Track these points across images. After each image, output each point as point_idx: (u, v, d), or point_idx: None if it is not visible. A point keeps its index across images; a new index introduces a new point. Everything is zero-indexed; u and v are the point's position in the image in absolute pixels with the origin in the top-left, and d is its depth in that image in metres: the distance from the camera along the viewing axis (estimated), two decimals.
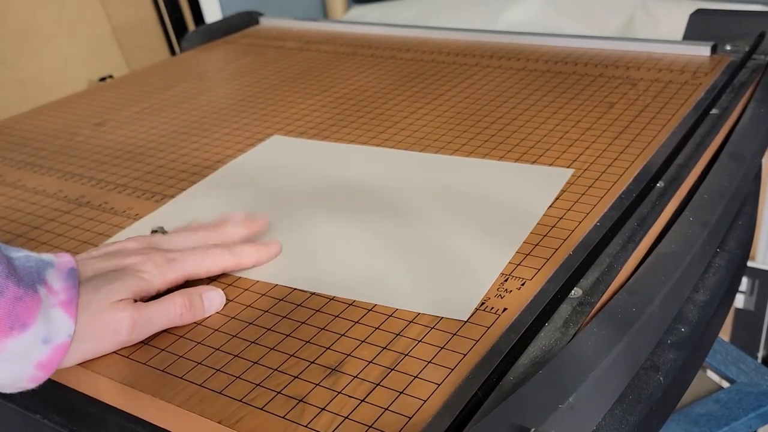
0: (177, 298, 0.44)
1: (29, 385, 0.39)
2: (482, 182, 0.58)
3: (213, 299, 0.45)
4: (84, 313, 0.40)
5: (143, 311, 0.42)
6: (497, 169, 0.60)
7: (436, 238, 0.51)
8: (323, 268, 0.49)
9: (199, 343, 0.43)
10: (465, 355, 0.40)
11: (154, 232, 0.51)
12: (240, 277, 0.49)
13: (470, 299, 0.44)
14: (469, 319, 0.42)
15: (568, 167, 0.59)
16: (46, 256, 0.41)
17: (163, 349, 0.43)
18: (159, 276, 0.44)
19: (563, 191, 0.55)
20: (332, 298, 0.46)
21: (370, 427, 0.36)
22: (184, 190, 0.62)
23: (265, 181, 0.63)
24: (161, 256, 0.45)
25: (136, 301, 0.43)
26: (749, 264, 1.29)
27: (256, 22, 1.13)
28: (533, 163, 0.61)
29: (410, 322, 0.43)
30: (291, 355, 0.41)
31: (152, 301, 0.43)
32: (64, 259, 0.42)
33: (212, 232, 0.50)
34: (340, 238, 0.53)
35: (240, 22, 1.11)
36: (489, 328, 0.41)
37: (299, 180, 0.62)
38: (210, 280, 0.49)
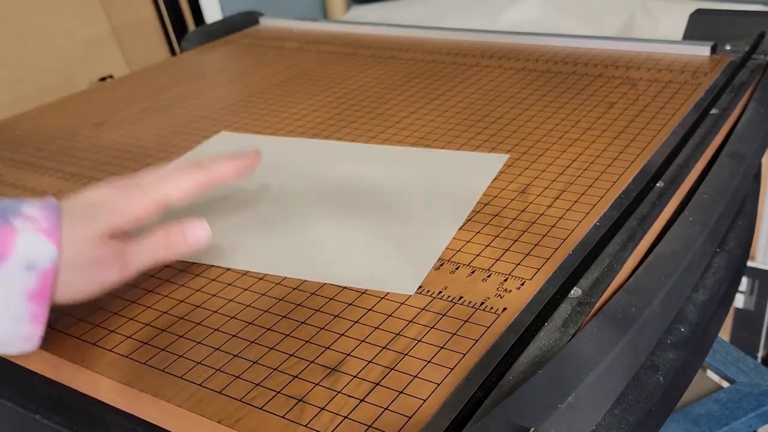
0: (158, 231, 0.44)
1: (32, 327, 0.38)
2: (425, 169, 0.62)
3: (196, 230, 0.45)
4: (66, 248, 0.39)
5: (127, 245, 0.42)
6: (437, 156, 0.64)
7: (381, 222, 0.54)
8: (286, 254, 0.51)
9: (199, 342, 0.43)
10: (464, 354, 0.40)
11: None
12: (241, 276, 0.49)
13: (416, 276, 0.47)
14: (469, 318, 0.42)
15: (567, 167, 0.59)
16: (26, 199, 0.41)
17: (163, 349, 0.43)
18: (132, 203, 0.43)
19: (563, 191, 0.56)
20: (332, 298, 0.46)
21: (369, 426, 0.36)
22: None
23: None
24: (132, 184, 0.44)
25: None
26: (749, 264, 1.29)
27: (256, 22, 1.13)
28: (534, 162, 0.61)
29: (410, 321, 0.43)
30: (291, 355, 0.41)
31: (137, 237, 0.43)
32: (48, 200, 0.41)
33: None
34: (304, 226, 0.55)
35: (240, 23, 1.12)
36: (488, 327, 0.41)
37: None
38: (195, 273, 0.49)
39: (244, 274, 0.49)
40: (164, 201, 0.45)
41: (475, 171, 0.60)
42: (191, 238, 0.45)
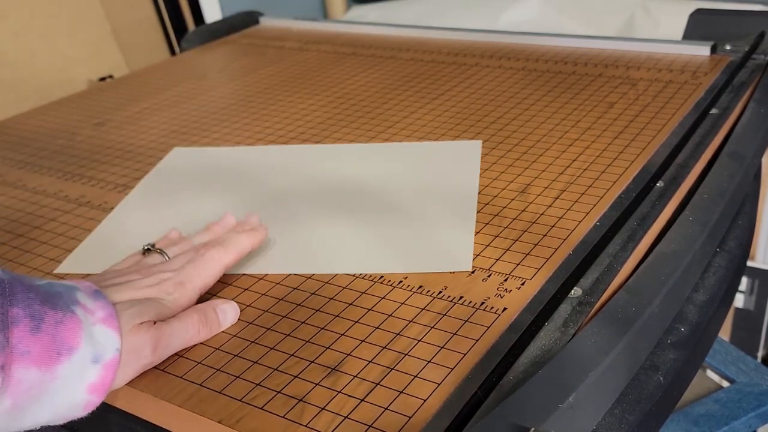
0: (193, 315, 0.43)
1: (84, 412, 0.38)
2: (412, 163, 0.63)
3: (227, 312, 0.45)
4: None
5: (164, 329, 0.41)
6: (416, 149, 0.66)
7: (396, 216, 0.55)
8: (316, 253, 0.51)
9: (198, 342, 0.43)
10: (465, 354, 0.40)
11: (147, 250, 0.49)
12: (240, 276, 0.49)
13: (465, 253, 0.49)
14: (469, 318, 0.42)
15: (568, 167, 0.59)
16: (67, 282, 0.40)
17: None
18: (174, 302, 0.44)
19: (563, 191, 0.56)
20: (332, 298, 0.46)
21: (369, 426, 0.36)
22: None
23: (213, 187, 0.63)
24: (171, 284, 0.44)
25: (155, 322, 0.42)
26: (749, 264, 1.29)
27: (256, 22, 1.13)
28: (534, 162, 0.61)
29: (410, 321, 0.43)
30: (291, 355, 0.41)
31: (170, 319, 0.42)
32: (85, 283, 0.41)
33: (205, 233, 0.51)
34: (322, 226, 0.55)
35: (240, 22, 1.12)
36: (489, 327, 0.41)
37: (209, 188, 0.63)
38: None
39: (244, 275, 0.49)
40: (201, 293, 0.46)
41: (458, 160, 0.63)
42: (223, 320, 0.44)
